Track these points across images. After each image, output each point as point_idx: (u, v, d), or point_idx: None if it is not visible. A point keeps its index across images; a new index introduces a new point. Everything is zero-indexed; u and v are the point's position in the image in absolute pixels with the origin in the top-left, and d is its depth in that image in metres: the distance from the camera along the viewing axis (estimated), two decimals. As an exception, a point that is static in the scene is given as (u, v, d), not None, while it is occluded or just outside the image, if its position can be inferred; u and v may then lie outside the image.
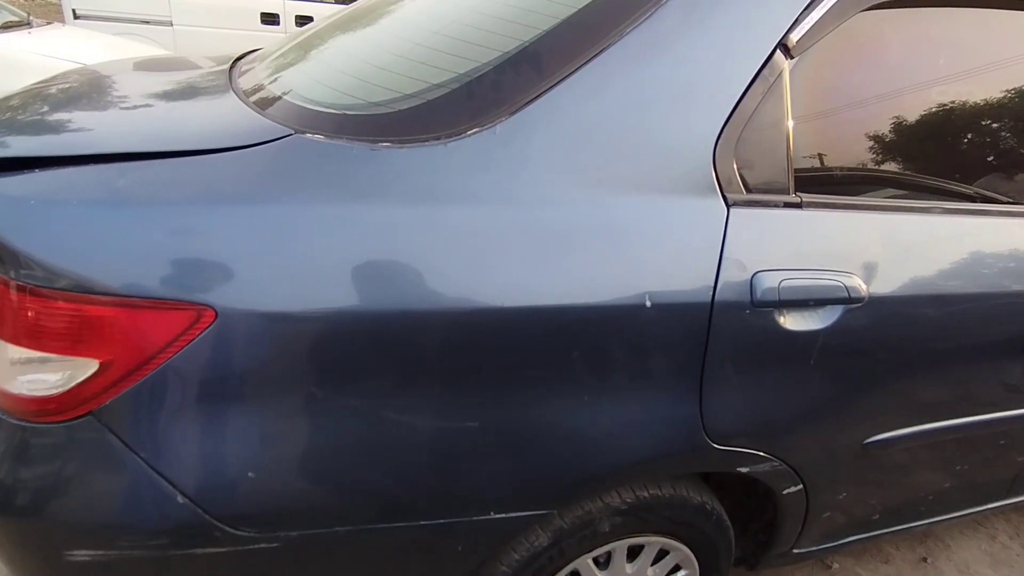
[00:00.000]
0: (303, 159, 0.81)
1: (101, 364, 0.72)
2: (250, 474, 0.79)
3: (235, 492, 0.79)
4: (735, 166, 0.91)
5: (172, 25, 5.28)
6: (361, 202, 0.79)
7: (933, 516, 1.49)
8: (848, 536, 1.38)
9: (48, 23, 4.33)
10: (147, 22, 5.19)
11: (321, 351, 0.78)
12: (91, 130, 0.92)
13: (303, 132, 0.85)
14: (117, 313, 0.72)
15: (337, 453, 0.82)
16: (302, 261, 0.76)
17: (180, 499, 0.78)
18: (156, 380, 0.74)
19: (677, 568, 1.23)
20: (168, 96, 1.06)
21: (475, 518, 0.92)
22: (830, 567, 1.70)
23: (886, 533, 1.45)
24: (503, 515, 0.93)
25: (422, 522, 0.89)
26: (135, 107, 1.01)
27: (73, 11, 5.08)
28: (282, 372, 0.77)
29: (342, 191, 0.79)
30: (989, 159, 1.20)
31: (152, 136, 0.87)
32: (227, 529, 0.80)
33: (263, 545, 0.83)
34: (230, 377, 0.76)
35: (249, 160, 0.80)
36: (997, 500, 1.58)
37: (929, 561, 1.74)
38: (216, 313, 0.73)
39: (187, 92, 1.10)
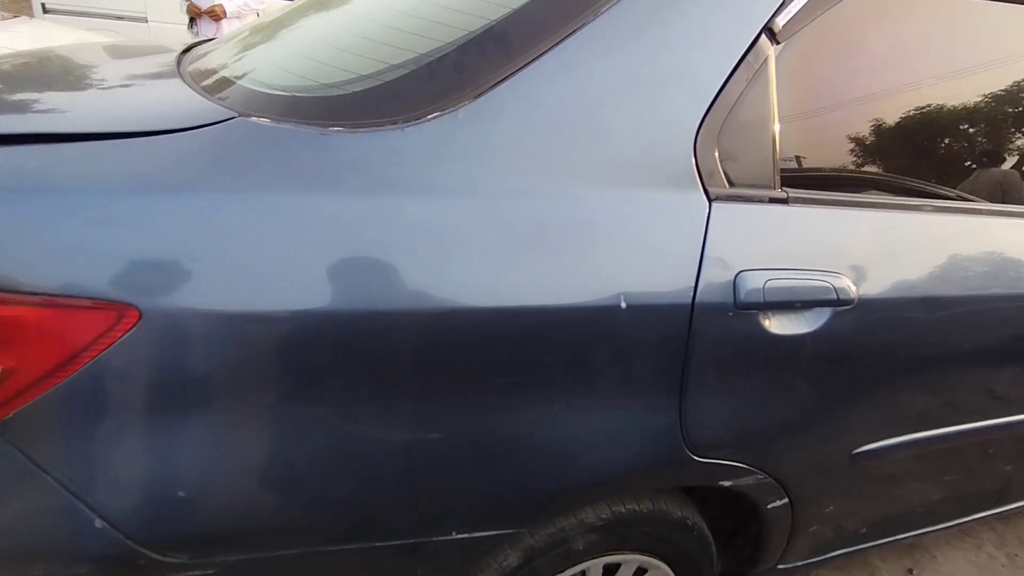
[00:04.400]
0: (245, 144, 0.74)
1: (3, 371, 0.64)
2: (180, 493, 0.71)
3: (162, 514, 0.71)
4: (717, 158, 0.85)
5: (147, 21, 5.15)
6: (309, 192, 0.71)
7: (921, 527, 1.44)
8: (835, 550, 1.32)
9: (15, 16, 4.19)
10: (120, 18, 5.05)
11: (261, 356, 0.70)
12: (3, 110, 0.84)
13: (248, 116, 0.77)
14: (24, 313, 0.63)
15: (280, 468, 0.74)
16: (240, 256, 0.68)
17: (98, 523, 0.69)
18: (69, 389, 0.65)
19: (656, 587, 1.16)
20: (103, 79, 0.98)
21: (437, 538, 0.84)
22: (815, 581, 1.64)
23: (872, 546, 1.40)
24: (468, 534, 0.85)
25: (377, 543, 0.81)
26: (62, 88, 0.93)
27: (43, 5, 4.93)
28: (216, 380, 0.69)
29: (288, 180, 0.71)
30: (988, 155, 1.15)
31: (75, 117, 0.79)
32: (153, 556, 0.72)
33: (196, 572, 0.74)
34: (156, 386, 0.68)
35: (183, 144, 0.72)
36: (985, 510, 1.54)
37: (915, 573, 1.70)
38: (140, 313, 0.65)
39: (127, 76, 1.01)
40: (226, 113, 0.77)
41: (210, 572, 0.75)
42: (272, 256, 0.69)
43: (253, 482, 0.74)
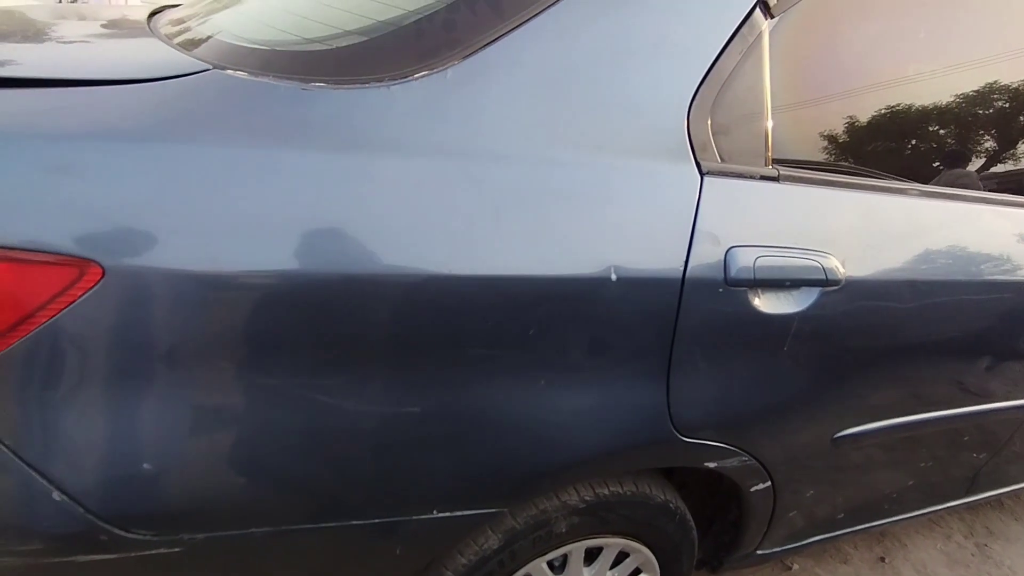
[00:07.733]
0: (220, 97, 0.70)
1: (-49, 330, 0.59)
2: (145, 466, 0.67)
3: (126, 487, 0.67)
4: (710, 131, 0.84)
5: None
6: (285, 148, 0.67)
7: (895, 515, 1.46)
8: (812, 536, 1.33)
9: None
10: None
11: (233, 320, 0.66)
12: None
13: (223, 68, 0.73)
14: (-26, 267, 0.58)
15: (252, 441, 0.70)
16: (213, 211, 0.64)
17: (56, 496, 0.65)
18: (23, 353, 0.60)
19: (637, 572, 1.15)
20: (64, 35, 0.92)
21: (416, 517, 0.81)
22: (790, 568, 1.65)
23: (847, 533, 1.40)
24: (448, 514, 0.82)
25: (354, 522, 0.78)
26: (19, 41, 0.87)
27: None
28: (185, 345, 0.65)
29: (264, 134, 0.68)
30: (987, 138, 1.15)
31: (33, 66, 0.74)
32: (116, 532, 0.67)
33: (162, 551, 0.70)
34: (119, 349, 0.63)
35: (152, 94, 0.68)
36: (956, 499, 1.56)
37: (887, 561, 1.72)
38: (103, 271, 0.61)
39: (93, 33, 0.96)
40: (200, 65, 0.73)
41: (176, 550, 0.71)
42: (243, 214, 0.65)
43: (222, 456, 0.70)
